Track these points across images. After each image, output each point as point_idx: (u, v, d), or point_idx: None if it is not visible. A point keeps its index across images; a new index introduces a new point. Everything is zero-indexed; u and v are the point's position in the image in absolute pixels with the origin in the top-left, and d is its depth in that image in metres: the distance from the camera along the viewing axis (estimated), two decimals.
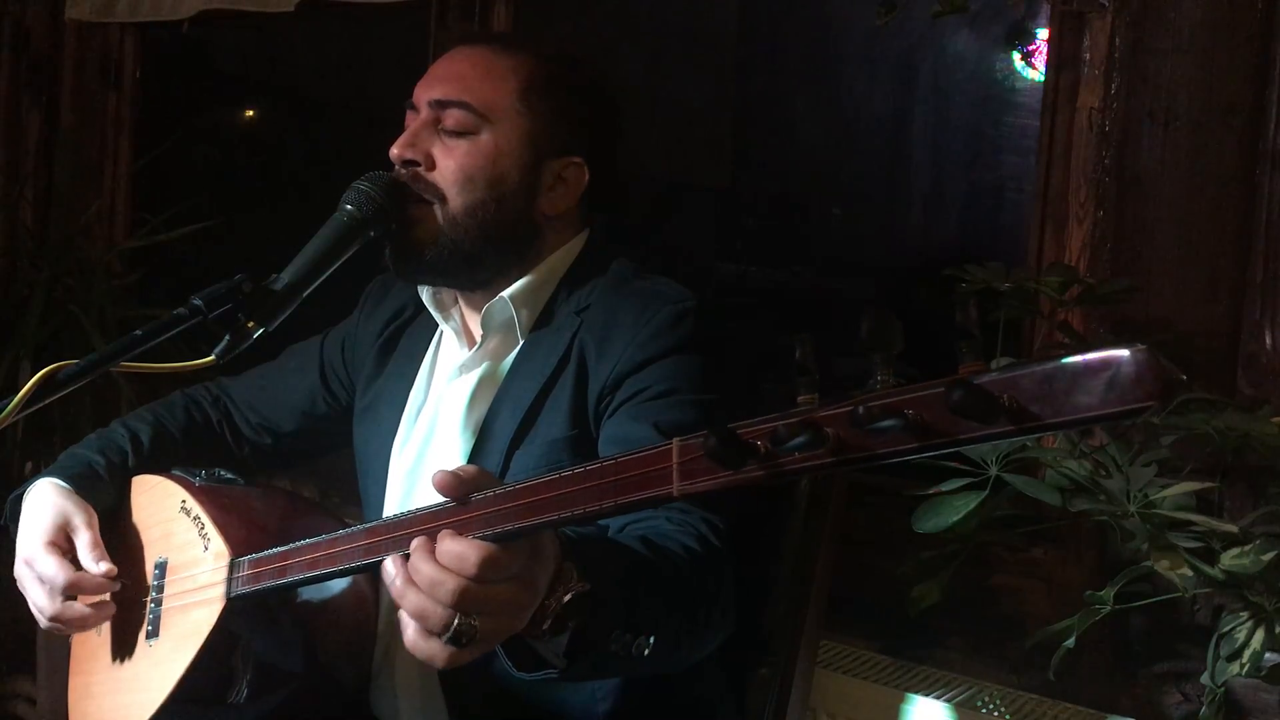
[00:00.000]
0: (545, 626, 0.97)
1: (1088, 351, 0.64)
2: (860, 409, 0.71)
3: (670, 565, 1.14)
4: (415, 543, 0.95)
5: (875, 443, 0.71)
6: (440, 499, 0.97)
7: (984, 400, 0.66)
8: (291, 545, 1.22)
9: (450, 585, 0.91)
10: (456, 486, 0.94)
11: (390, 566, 0.96)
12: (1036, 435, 0.67)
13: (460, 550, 0.91)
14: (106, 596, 1.41)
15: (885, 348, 0.72)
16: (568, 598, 0.97)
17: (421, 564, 0.93)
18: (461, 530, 0.93)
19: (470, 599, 0.91)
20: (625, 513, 0.87)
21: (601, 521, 1.25)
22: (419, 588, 0.93)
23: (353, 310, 1.68)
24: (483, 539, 0.92)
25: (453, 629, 0.91)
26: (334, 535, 1.15)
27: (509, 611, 0.94)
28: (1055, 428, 0.65)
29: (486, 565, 0.90)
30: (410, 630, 0.94)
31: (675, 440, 0.82)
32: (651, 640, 1.04)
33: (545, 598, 0.96)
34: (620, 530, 1.20)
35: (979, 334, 0.69)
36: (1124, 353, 0.63)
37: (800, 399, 0.75)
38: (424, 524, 0.99)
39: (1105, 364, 0.63)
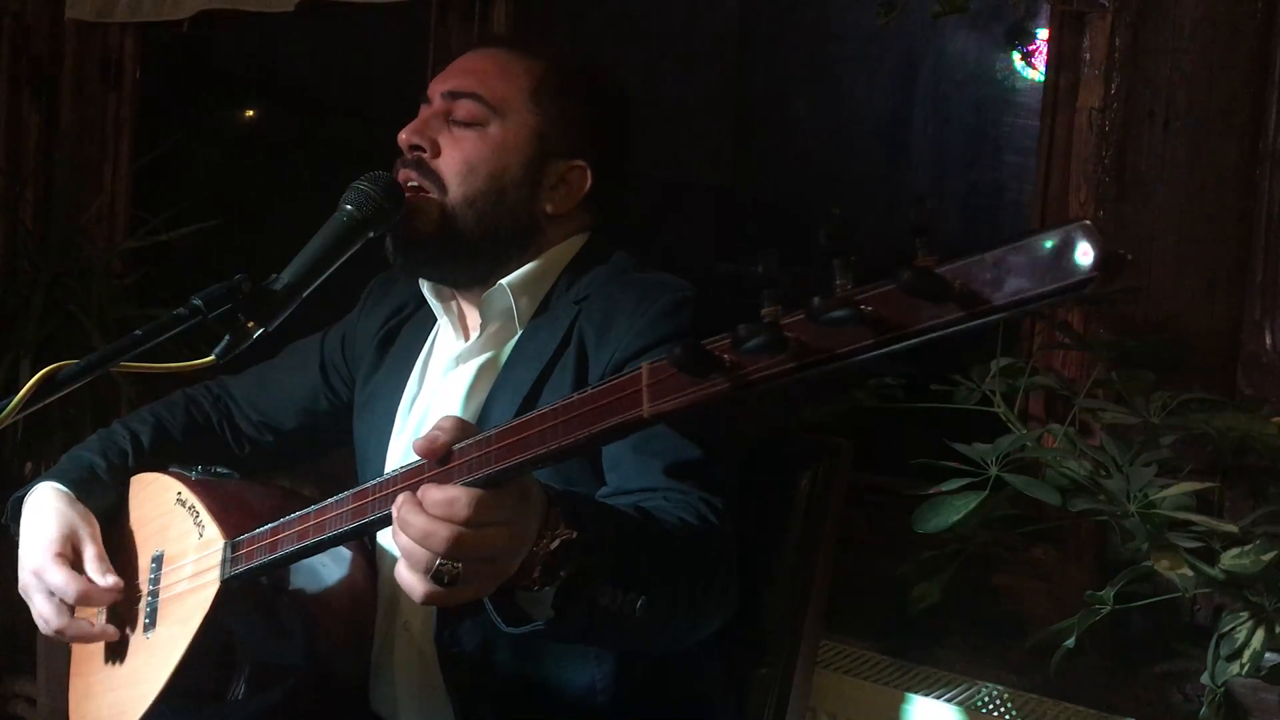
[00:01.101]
0: (535, 574, 0.98)
1: (1032, 235, 0.66)
2: (816, 300, 0.72)
3: (661, 529, 1.15)
4: (401, 497, 0.95)
5: (834, 343, 0.73)
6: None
7: (935, 281, 0.67)
8: (281, 520, 1.23)
9: (443, 534, 0.91)
10: (434, 448, 0.95)
11: (400, 499, 0.96)
12: (989, 319, 0.68)
13: (449, 496, 0.92)
14: (105, 623, 1.44)
15: (844, 252, 0.73)
16: (555, 544, 0.98)
17: (412, 516, 0.93)
18: (445, 480, 0.94)
19: (464, 545, 0.92)
20: (601, 443, 0.87)
21: (603, 502, 1.26)
22: (410, 536, 0.94)
23: (352, 308, 1.68)
24: (465, 485, 0.92)
25: (434, 569, 0.92)
26: (322, 504, 1.15)
27: (502, 556, 0.95)
28: (1006, 309, 0.67)
29: (478, 509, 0.91)
30: (398, 564, 0.96)
31: (645, 363, 0.83)
32: (642, 600, 1.04)
33: (534, 544, 0.97)
34: (611, 496, 1.22)
35: (934, 229, 0.70)
36: (1069, 227, 0.65)
37: (764, 311, 0.76)
38: (408, 479, 1.00)
39: (1047, 243, 0.65)
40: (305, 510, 1.19)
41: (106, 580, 1.41)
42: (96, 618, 1.48)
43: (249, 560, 1.28)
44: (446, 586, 0.93)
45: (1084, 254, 0.64)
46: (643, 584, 1.06)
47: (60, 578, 1.39)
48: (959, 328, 0.69)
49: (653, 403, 0.82)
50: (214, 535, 1.34)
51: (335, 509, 1.13)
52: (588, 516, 1.02)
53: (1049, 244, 0.65)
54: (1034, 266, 0.65)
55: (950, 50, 2.49)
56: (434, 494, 0.93)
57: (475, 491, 0.91)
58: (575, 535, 0.99)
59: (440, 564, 0.92)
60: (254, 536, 1.28)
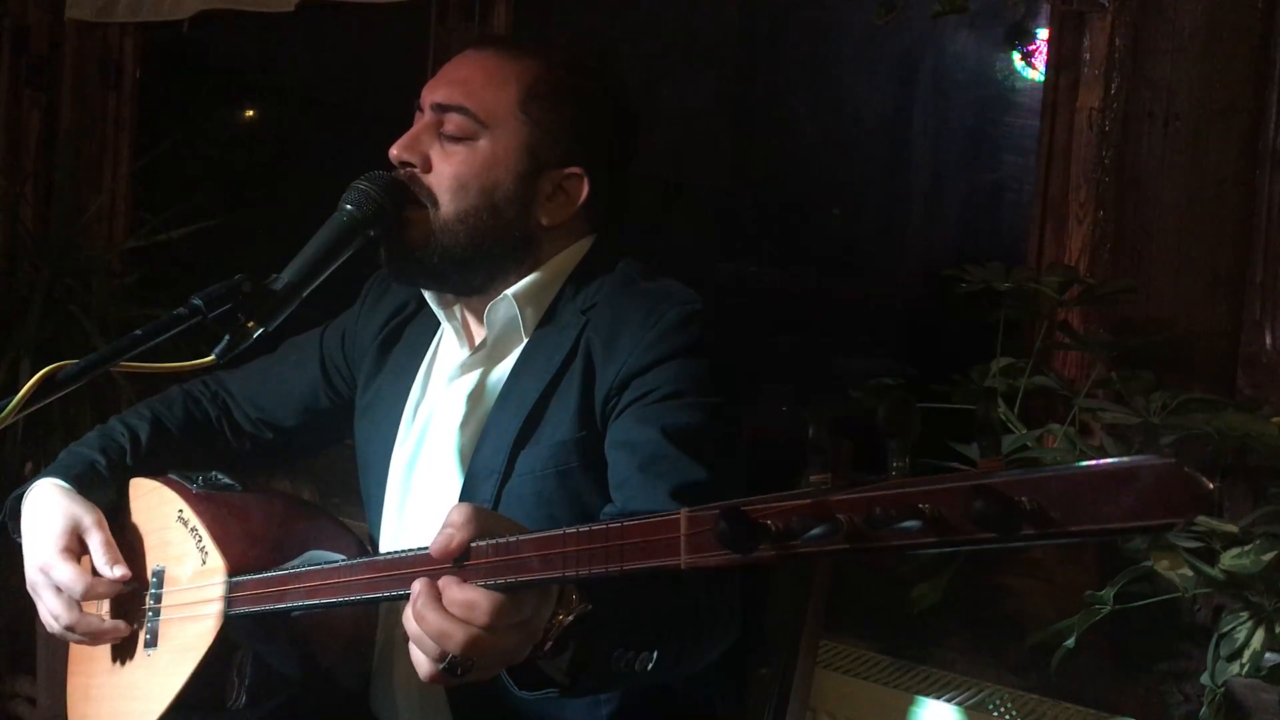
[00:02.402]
0: (546, 649, 0.98)
1: (1115, 458, 0.63)
2: (878, 509, 0.70)
3: (674, 580, 1.13)
4: (418, 587, 0.95)
5: (891, 537, 0.70)
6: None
7: (1005, 509, 0.65)
8: (291, 570, 1.23)
9: (460, 637, 0.92)
10: (448, 551, 0.95)
11: (418, 585, 0.97)
12: (1059, 542, 0.65)
13: (470, 599, 0.92)
14: (111, 621, 1.43)
15: (903, 435, 0.71)
16: (569, 619, 0.98)
17: (429, 612, 0.94)
18: (464, 577, 0.94)
19: (479, 646, 0.93)
20: (630, 578, 0.86)
21: None
22: (425, 631, 0.94)
23: (353, 304, 1.67)
24: (487, 587, 0.92)
25: (447, 661, 0.93)
26: (335, 566, 1.16)
27: (513, 651, 0.95)
28: (1077, 536, 0.64)
29: (498, 614, 0.92)
30: (411, 643, 0.97)
31: (684, 511, 0.81)
32: (655, 656, 1.04)
33: (547, 621, 0.97)
34: None
35: (999, 430, 0.68)
36: (1152, 464, 0.61)
37: (814, 479, 0.74)
38: (426, 565, 0.99)
39: (1132, 474, 0.61)
40: (316, 568, 1.19)
41: (114, 572, 1.40)
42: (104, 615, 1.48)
43: (253, 603, 1.28)
44: (459, 677, 0.94)
45: (1170, 496, 0.60)
46: (655, 641, 1.06)
47: (68, 574, 1.38)
48: (1027, 544, 0.66)
49: (690, 555, 0.80)
50: (216, 565, 1.34)
51: (348, 575, 1.13)
52: (603, 586, 1.00)
53: (1133, 477, 0.61)
54: (1114, 496, 0.62)
55: (950, 50, 2.49)
56: (455, 593, 0.93)
57: (497, 597, 0.91)
58: (590, 609, 0.98)
59: (454, 659, 0.93)
60: (262, 580, 1.27)
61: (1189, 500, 0.60)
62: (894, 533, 0.70)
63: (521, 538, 0.92)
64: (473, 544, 0.95)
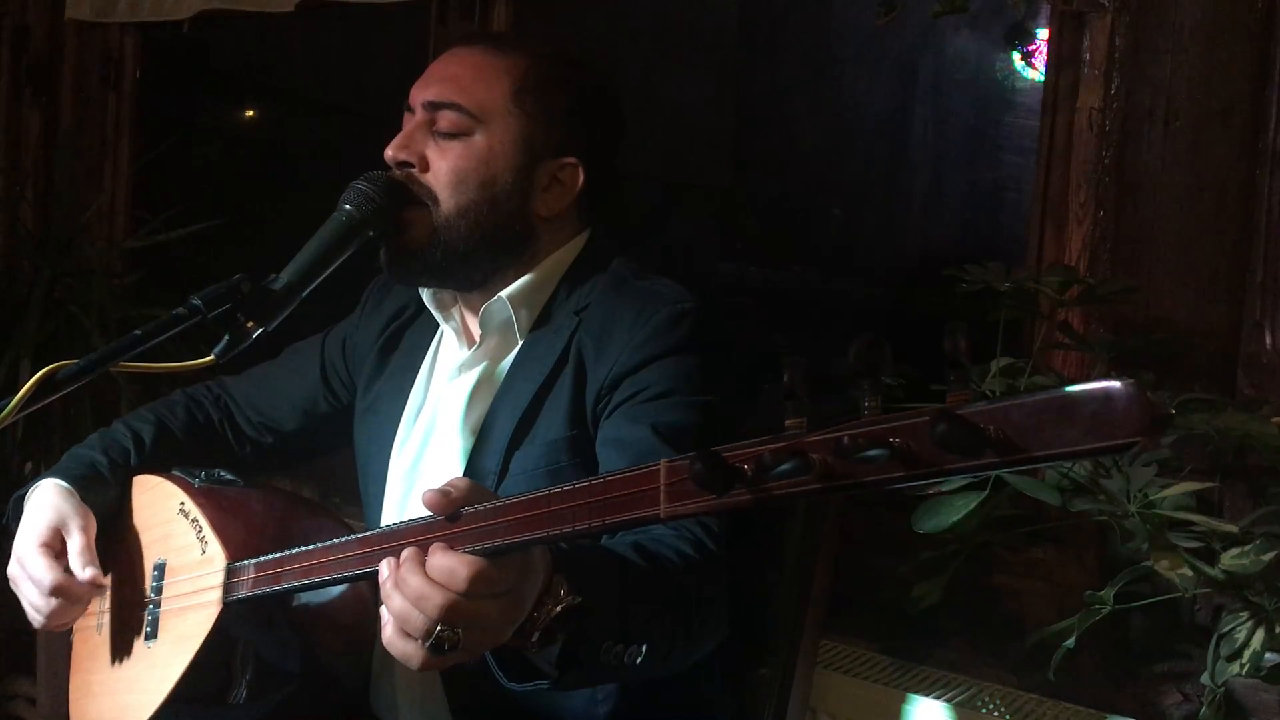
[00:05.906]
0: (534, 640, 0.98)
1: (1075, 384, 0.64)
2: (845, 438, 0.71)
3: (663, 573, 1.14)
4: (406, 553, 0.96)
5: (861, 470, 0.71)
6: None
7: (969, 433, 0.66)
8: (287, 552, 1.23)
9: (437, 600, 0.92)
10: (444, 505, 0.95)
11: (385, 566, 0.97)
12: (1024, 468, 0.66)
13: (451, 565, 0.92)
14: (108, 624, 1.44)
15: (873, 374, 0.72)
16: (557, 610, 0.98)
17: (410, 575, 0.94)
18: (452, 544, 0.94)
19: (457, 613, 0.92)
20: (614, 531, 0.88)
21: (606, 553, 1.26)
22: (405, 595, 0.94)
23: (353, 309, 1.68)
24: (472, 553, 0.92)
25: (434, 636, 0.93)
26: (328, 544, 1.15)
27: (494, 626, 0.95)
28: (1041, 460, 0.65)
29: (477, 581, 0.92)
30: (389, 629, 0.96)
31: (663, 461, 0.82)
32: (644, 649, 1.04)
33: (533, 610, 0.97)
34: (615, 535, 1.20)
35: (967, 363, 0.68)
36: (1112, 386, 0.63)
37: (788, 423, 0.75)
38: (416, 535, 0.99)
39: (1092, 398, 0.63)
40: (310, 548, 1.19)
41: (85, 574, 1.39)
42: (99, 617, 1.48)
43: (251, 587, 1.28)
44: (445, 654, 0.93)
45: (1129, 416, 0.62)
46: (644, 634, 1.06)
47: (38, 566, 1.38)
48: (992, 472, 0.67)
49: (670, 504, 0.82)
50: (216, 553, 1.34)
51: (340, 551, 1.13)
52: (592, 578, 1.01)
53: (1093, 400, 0.63)
54: (1075, 421, 0.64)
55: (950, 50, 2.50)
56: (438, 558, 0.93)
57: (478, 562, 0.92)
58: (579, 601, 0.99)
59: (440, 631, 0.92)
60: (259, 564, 1.28)
61: (1147, 420, 0.62)
62: (863, 464, 0.71)
63: (509, 500, 0.93)
64: (463, 510, 0.95)
